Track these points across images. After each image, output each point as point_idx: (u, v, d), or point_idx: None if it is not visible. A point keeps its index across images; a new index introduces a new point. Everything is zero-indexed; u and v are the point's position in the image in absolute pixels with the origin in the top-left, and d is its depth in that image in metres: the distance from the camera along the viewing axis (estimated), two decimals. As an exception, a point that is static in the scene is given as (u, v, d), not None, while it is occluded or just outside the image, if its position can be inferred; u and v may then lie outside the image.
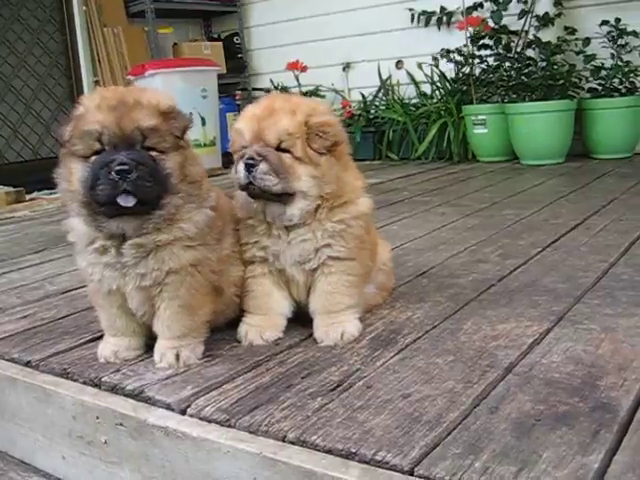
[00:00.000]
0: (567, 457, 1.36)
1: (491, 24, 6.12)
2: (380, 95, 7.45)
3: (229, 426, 1.63)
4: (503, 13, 5.97)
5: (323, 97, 7.45)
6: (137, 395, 1.83)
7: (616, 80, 5.74)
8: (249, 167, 2.01)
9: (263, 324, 2.18)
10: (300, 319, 2.26)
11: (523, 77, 5.99)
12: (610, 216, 3.68)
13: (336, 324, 2.14)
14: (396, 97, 7.27)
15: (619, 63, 5.67)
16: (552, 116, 5.77)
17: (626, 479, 1.27)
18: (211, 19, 8.78)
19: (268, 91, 7.64)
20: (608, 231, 3.35)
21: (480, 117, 6.24)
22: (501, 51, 6.10)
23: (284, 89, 7.52)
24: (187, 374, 1.93)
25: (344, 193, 2.14)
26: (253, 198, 2.10)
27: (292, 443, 1.52)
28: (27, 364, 2.13)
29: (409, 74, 7.18)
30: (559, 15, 5.92)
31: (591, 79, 5.85)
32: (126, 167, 1.74)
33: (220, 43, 8.22)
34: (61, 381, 1.99)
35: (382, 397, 1.70)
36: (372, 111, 7.37)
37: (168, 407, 1.75)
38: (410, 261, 3.04)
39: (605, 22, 5.66)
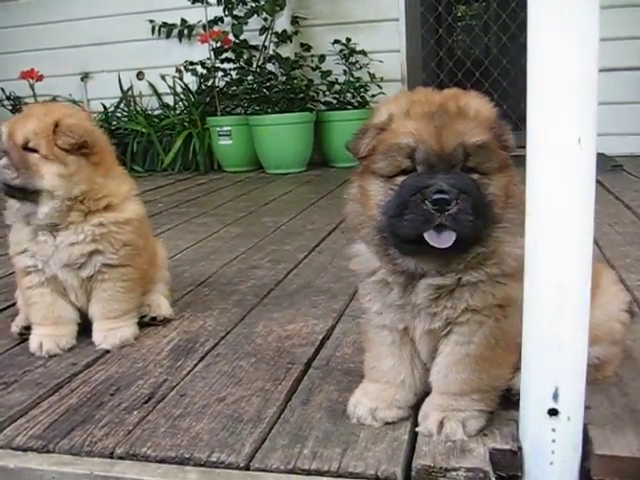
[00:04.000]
0: (381, 434, 1.55)
1: (232, 38, 6.33)
2: (122, 106, 7.32)
3: (48, 451, 1.58)
4: (244, 28, 6.20)
5: (61, 108, 7.13)
6: None
7: (349, 94, 6.26)
8: None
9: (56, 332, 2.21)
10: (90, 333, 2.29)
11: (265, 90, 6.28)
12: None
13: (114, 329, 2.25)
14: (139, 108, 7.21)
15: (351, 79, 6.19)
16: (293, 127, 6.12)
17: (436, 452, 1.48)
18: None
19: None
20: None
21: (225, 128, 6.42)
22: (243, 65, 6.34)
23: (17, 99, 7.10)
24: (-18, 405, 1.82)
25: (102, 197, 2.22)
26: (6, 195, 2.19)
27: (121, 458, 1.53)
28: None
29: (151, 85, 7.15)
30: (296, 33, 6.31)
31: (327, 93, 6.31)
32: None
33: (-61, 47, 7.51)
34: None
35: (199, 403, 1.76)
36: (114, 122, 7.22)
37: (-28, 442, 1.65)
38: (186, 272, 3.10)
39: (337, 41, 6.16)
